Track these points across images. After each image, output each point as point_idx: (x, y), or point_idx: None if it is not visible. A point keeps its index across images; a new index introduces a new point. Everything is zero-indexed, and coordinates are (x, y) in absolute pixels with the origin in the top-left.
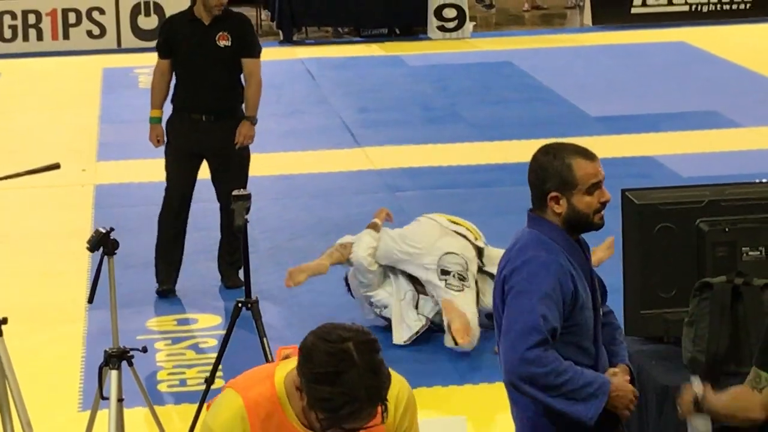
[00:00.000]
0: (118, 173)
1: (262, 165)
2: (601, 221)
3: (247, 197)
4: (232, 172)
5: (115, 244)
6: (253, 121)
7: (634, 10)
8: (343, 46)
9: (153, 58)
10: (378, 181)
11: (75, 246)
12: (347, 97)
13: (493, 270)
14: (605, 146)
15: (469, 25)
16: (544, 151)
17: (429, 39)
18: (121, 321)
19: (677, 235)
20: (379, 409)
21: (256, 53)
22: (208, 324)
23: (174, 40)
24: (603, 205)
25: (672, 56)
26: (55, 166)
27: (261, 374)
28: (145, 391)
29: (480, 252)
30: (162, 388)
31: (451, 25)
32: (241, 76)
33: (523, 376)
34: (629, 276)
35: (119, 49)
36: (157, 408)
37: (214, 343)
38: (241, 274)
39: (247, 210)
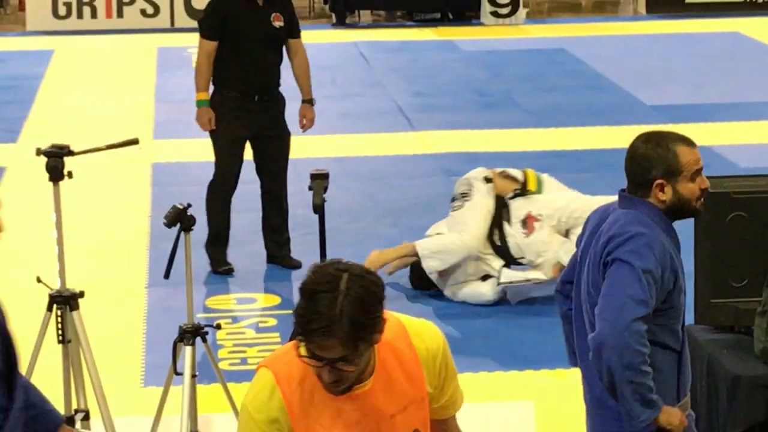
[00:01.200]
0: (175, 152)
1: (318, 147)
2: (702, 207)
3: (326, 176)
4: (281, 153)
5: (192, 220)
6: (313, 102)
7: (688, 0)
8: (395, 29)
9: None
10: (434, 165)
11: (134, 223)
12: (401, 81)
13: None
14: None
15: (522, 12)
16: (645, 139)
17: (482, 24)
18: (180, 299)
19: (750, 225)
20: (354, 354)
21: (299, 33)
22: (268, 303)
23: (231, 21)
24: (703, 192)
25: (726, 46)
26: (134, 141)
27: (287, 347)
28: (218, 368)
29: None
30: (223, 366)
31: (505, 11)
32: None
33: (618, 344)
34: (700, 264)
35: (173, 29)
36: (218, 385)
37: (274, 322)
38: (294, 254)
39: (325, 189)
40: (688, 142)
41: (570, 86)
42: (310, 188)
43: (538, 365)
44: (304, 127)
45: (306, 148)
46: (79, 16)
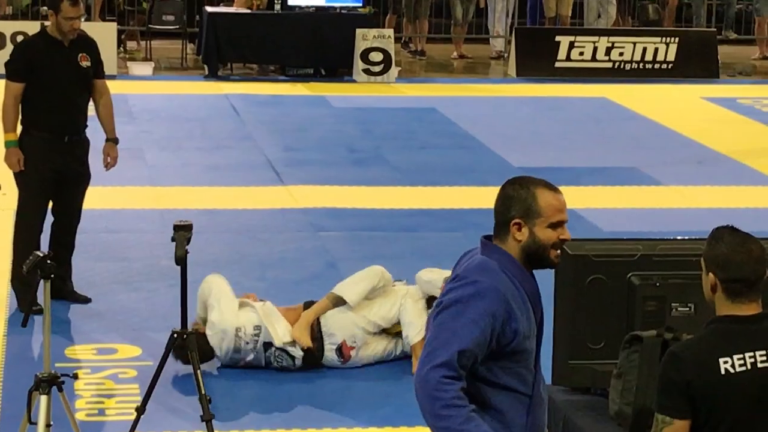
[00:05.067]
0: None
1: (185, 198)
2: (557, 259)
3: (189, 227)
4: (82, 193)
5: (52, 269)
6: (117, 141)
7: (557, 64)
8: (268, 83)
9: None
10: (302, 220)
11: None
12: (272, 134)
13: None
14: None
15: (394, 70)
16: (511, 181)
17: (354, 81)
18: (40, 348)
19: (608, 288)
20: None
21: (104, 74)
22: (128, 354)
23: (38, 62)
24: (561, 242)
25: (594, 111)
26: None
27: None
28: (74, 419)
29: None
30: (80, 416)
31: (377, 69)
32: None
33: (421, 391)
34: (559, 325)
35: None
36: None
37: (134, 373)
38: (155, 305)
39: (188, 240)
40: (551, 188)
41: (439, 145)
42: (173, 239)
43: (397, 422)
44: (108, 166)
45: (173, 200)
46: None
